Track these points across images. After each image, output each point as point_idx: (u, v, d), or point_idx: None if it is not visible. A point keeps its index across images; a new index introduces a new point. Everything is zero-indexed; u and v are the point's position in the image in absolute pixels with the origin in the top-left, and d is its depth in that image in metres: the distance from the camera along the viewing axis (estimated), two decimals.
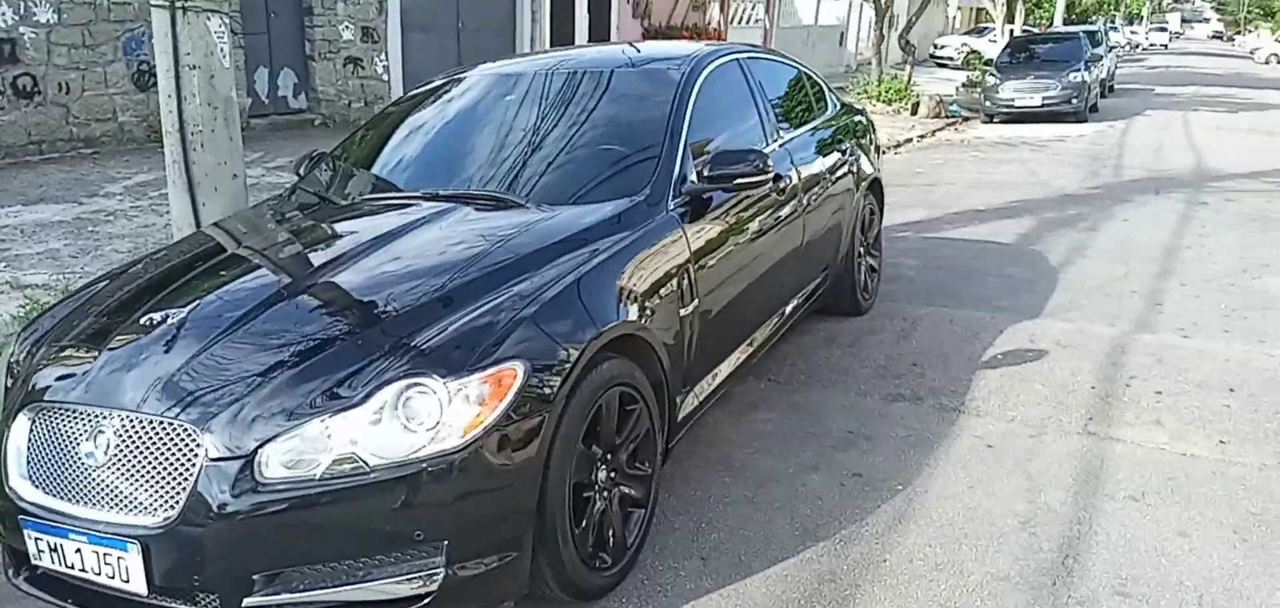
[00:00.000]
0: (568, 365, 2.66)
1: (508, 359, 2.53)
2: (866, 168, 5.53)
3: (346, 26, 14.46)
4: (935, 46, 34.91)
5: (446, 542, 2.40)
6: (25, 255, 6.66)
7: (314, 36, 14.15)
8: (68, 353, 2.79)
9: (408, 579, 2.40)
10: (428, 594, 2.40)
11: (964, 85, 21.59)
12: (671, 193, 3.48)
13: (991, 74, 18.24)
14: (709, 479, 3.65)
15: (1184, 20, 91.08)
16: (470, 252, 3.01)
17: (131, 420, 2.45)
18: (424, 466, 2.36)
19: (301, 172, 4.38)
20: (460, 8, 16.22)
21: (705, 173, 3.56)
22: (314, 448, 2.35)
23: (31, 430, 2.60)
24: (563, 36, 18.15)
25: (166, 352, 2.62)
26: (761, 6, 25.41)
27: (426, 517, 2.39)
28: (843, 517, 3.38)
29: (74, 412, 2.55)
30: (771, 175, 3.62)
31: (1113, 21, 49.18)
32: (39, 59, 11.06)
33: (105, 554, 2.40)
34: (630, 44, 4.87)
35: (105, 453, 2.45)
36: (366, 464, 2.34)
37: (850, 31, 31.93)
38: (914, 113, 17.70)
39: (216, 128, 4.71)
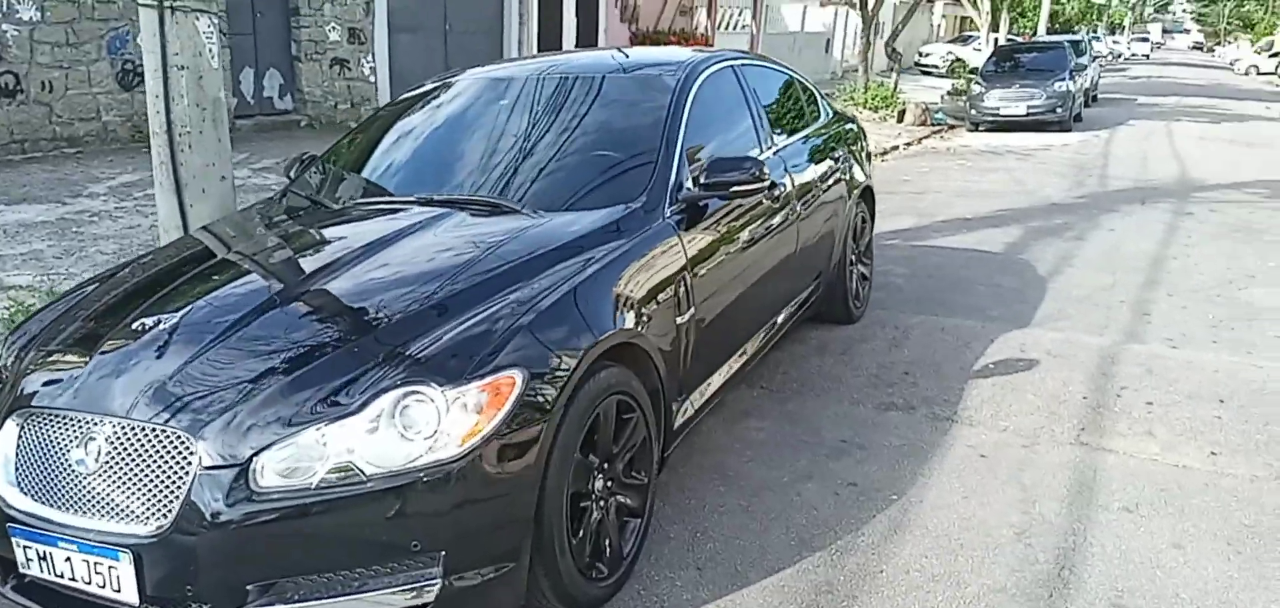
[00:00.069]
0: (566, 374, 2.63)
1: (506, 368, 2.50)
2: (858, 176, 5.53)
3: (333, 27, 14.39)
4: (921, 54, 35.10)
5: (443, 552, 2.38)
6: (8, 256, 6.58)
7: (300, 37, 14.07)
8: (56, 358, 2.75)
9: (404, 590, 2.36)
10: (424, 606, 2.37)
11: (949, 93, 21.71)
12: (668, 200, 3.46)
13: (977, 82, 18.33)
14: (703, 488, 3.63)
15: (1165, 31, 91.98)
16: (466, 258, 2.98)
17: (123, 427, 2.41)
18: (421, 475, 2.34)
19: (292, 175, 4.34)
20: (448, 10, 16.18)
21: (701, 180, 3.55)
22: (310, 457, 2.32)
23: (20, 437, 2.55)
24: (550, 40, 18.13)
25: (158, 358, 2.58)
26: (748, 12, 25.47)
27: (423, 527, 2.36)
28: (838, 527, 3.37)
29: (64, 418, 2.50)
30: (767, 183, 3.61)
31: (1095, 32, 49.53)
32: (21, 57, 10.95)
33: (96, 563, 2.36)
34: (619, 49, 4.86)
35: (96, 460, 2.40)
36: (363, 473, 2.31)
37: (836, 39, 32.06)
38: (900, 120, 17.76)
39: (205, 129, 4.66)
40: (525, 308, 2.71)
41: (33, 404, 2.58)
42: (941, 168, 12.78)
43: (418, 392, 2.40)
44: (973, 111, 17.58)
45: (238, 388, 2.44)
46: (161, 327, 2.72)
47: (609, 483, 2.91)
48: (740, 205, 3.87)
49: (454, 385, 2.41)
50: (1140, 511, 3.48)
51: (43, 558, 2.44)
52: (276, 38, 13.93)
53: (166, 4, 4.44)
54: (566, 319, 2.78)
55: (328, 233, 3.50)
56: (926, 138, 16.21)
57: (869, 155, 6.05)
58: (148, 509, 2.33)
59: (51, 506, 2.43)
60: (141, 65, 11.66)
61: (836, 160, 5.20)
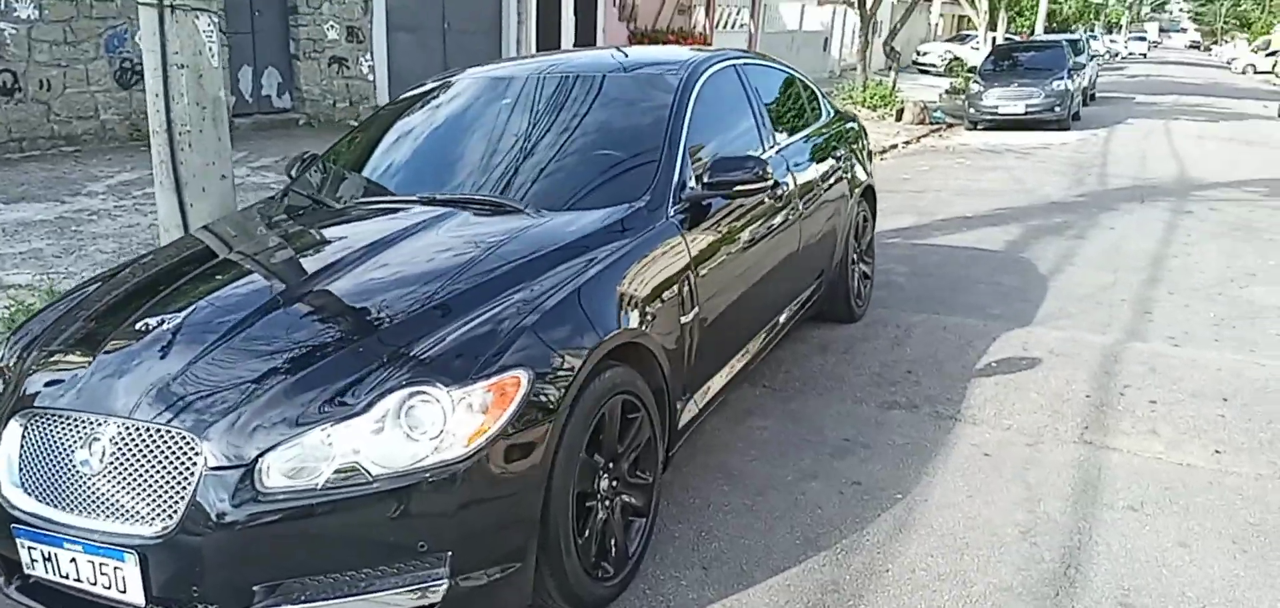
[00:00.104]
0: (571, 374, 2.63)
1: (511, 368, 2.50)
2: (860, 175, 5.53)
3: (331, 26, 14.37)
4: (918, 53, 35.10)
5: (450, 553, 2.37)
6: (7, 255, 6.56)
7: (299, 36, 14.04)
8: (59, 358, 2.74)
9: (411, 591, 2.35)
10: (431, 606, 2.37)
11: (947, 92, 21.72)
12: (671, 199, 3.45)
13: (975, 81, 18.32)
14: (707, 487, 3.62)
15: (1162, 30, 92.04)
16: (470, 258, 2.97)
17: (128, 428, 2.40)
18: (427, 475, 2.33)
19: (293, 174, 4.33)
20: (446, 8, 16.15)
21: (705, 179, 3.53)
22: (315, 457, 2.31)
23: (24, 437, 2.54)
24: (549, 39, 18.11)
25: (162, 358, 2.57)
26: (746, 11, 25.44)
27: (430, 527, 2.36)
28: (843, 526, 3.36)
29: (67, 418, 2.49)
30: (771, 182, 3.60)
31: (1092, 30, 49.57)
32: (19, 55, 10.92)
33: (101, 564, 2.35)
34: (619, 48, 4.85)
35: (101, 461, 2.39)
36: (369, 474, 2.30)
37: (834, 37, 32.04)
38: (898, 119, 17.76)
39: (205, 128, 4.64)
40: (530, 308, 2.70)
41: (36, 405, 2.57)
42: (941, 166, 12.78)
43: (423, 392, 2.39)
44: (971, 110, 17.58)
45: (242, 388, 2.43)
46: (164, 327, 2.70)
47: (614, 483, 2.90)
48: (743, 205, 3.86)
49: (459, 386, 2.40)
50: (1145, 509, 3.47)
51: (47, 559, 2.43)
52: (275, 36, 13.90)
53: (166, 3, 4.41)
54: (571, 319, 2.77)
55: (330, 233, 3.49)
56: (925, 136, 16.20)
57: (870, 154, 6.05)
58: (153, 510, 2.32)
59: (56, 506, 2.42)
60: (139, 64, 11.70)
61: (838, 159, 5.19)
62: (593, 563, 2.79)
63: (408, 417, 2.36)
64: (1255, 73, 41.48)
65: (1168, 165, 12.69)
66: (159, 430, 2.37)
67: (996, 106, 17.18)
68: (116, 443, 2.40)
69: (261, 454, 2.29)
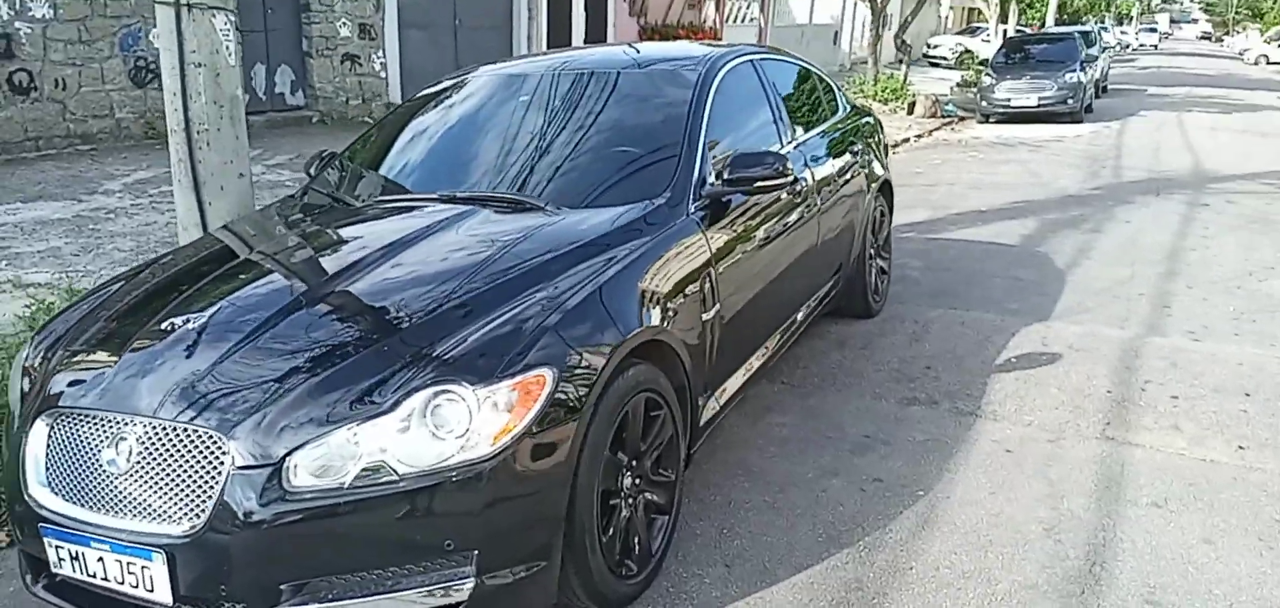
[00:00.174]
0: (596, 372, 2.62)
1: (536, 366, 2.49)
2: (877, 169, 5.51)
3: (344, 23, 14.39)
4: (929, 46, 34.97)
5: (476, 551, 2.37)
6: (26, 253, 6.59)
7: (311, 33, 14.07)
8: (84, 357, 2.74)
9: (436, 589, 2.35)
10: (457, 604, 2.37)
11: (959, 85, 21.63)
12: (692, 195, 3.44)
13: (987, 74, 18.23)
14: (729, 485, 3.62)
15: (1173, 21, 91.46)
16: (491, 256, 2.96)
17: (154, 427, 2.41)
18: (453, 474, 2.33)
19: (312, 172, 4.34)
20: (458, 6, 16.15)
21: (725, 175, 3.52)
22: (342, 456, 2.31)
23: (50, 437, 2.55)
24: (559, 35, 18.10)
25: (187, 358, 2.57)
26: (756, 5, 25.40)
27: (456, 526, 2.35)
28: (865, 523, 3.35)
29: (94, 418, 2.50)
30: (791, 178, 3.59)
31: (1103, 22, 49.31)
32: (35, 54, 10.97)
33: (129, 563, 2.35)
34: (632, 44, 4.83)
35: (128, 460, 2.40)
36: (395, 473, 2.30)
37: (845, 30, 31.94)
38: (910, 112, 17.70)
39: (222, 126, 4.65)
40: (553, 306, 2.70)
41: (61, 404, 2.58)
42: (954, 160, 12.73)
43: (449, 391, 2.38)
44: (983, 103, 17.49)
45: (268, 388, 2.43)
46: (189, 327, 2.71)
47: (637, 480, 2.90)
48: (762, 201, 3.85)
49: (485, 385, 2.40)
50: (1169, 506, 3.45)
51: (75, 558, 2.44)
52: (288, 34, 13.93)
53: (183, 1, 4.42)
54: (594, 317, 2.76)
55: (351, 232, 3.49)
56: (937, 130, 16.15)
57: (886, 149, 6.02)
58: (180, 509, 2.32)
59: (83, 506, 2.43)
60: (154, 62, 11.76)
61: (855, 154, 5.18)
62: (617, 561, 2.79)
63: (434, 416, 2.36)
64: (1268, 64, 41.14)
65: (1182, 158, 12.62)
66: (186, 430, 2.38)
67: (1009, 99, 17.09)
68: (143, 442, 2.40)
69: (289, 453, 2.30)
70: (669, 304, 3.07)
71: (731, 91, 4.08)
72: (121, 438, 2.43)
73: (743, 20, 25.01)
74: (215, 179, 4.66)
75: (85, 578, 2.44)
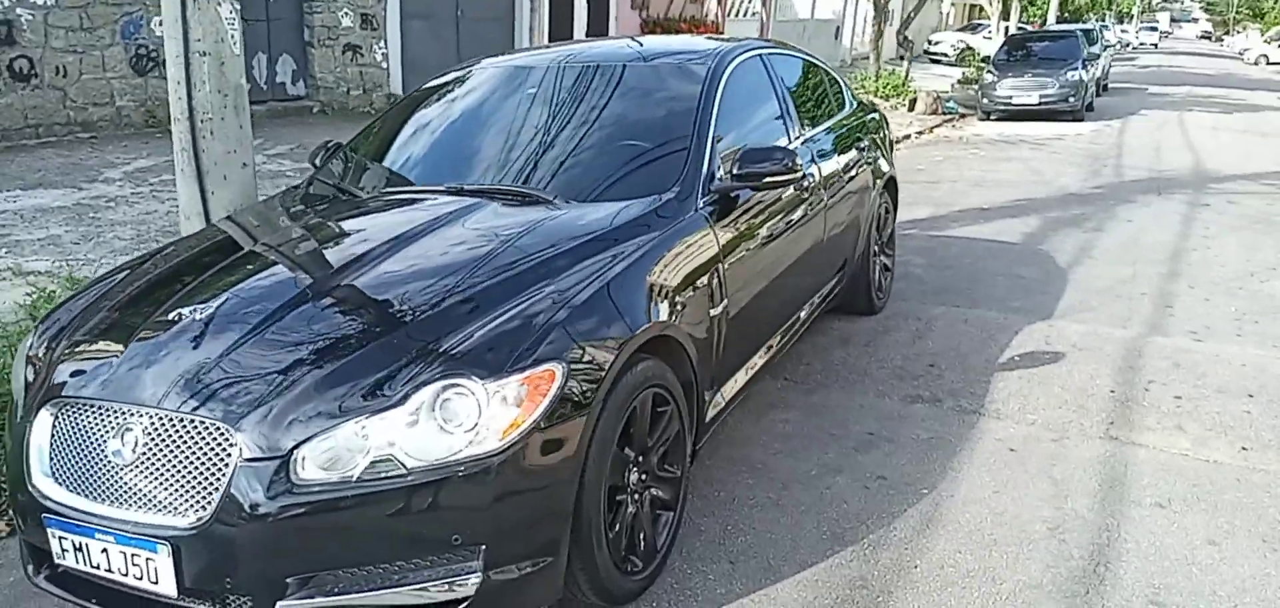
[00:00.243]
0: (604, 367, 2.61)
1: (545, 361, 2.48)
2: (883, 166, 5.50)
3: (346, 13, 14.36)
4: (930, 42, 34.96)
5: (483, 546, 2.36)
6: (26, 241, 6.57)
7: (313, 23, 14.04)
8: (89, 347, 2.73)
9: (443, 583, 2.35)
10: (464, 599, 2.36)
11: (960, 82, 21.61)
12: (700, 190, 3.43)
13: (989, 71, 18.22)
14: (733, 481, 3.61)
15: (1173, 20, 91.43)
16: (499, 250, 2.95)
17: (161, 419, 2.39)
18: (461, 468, 2.32)
19: (317, 162, 4.32)
20: None
21: (734, 170, 3.51)
22: (350, 449, 2.30)
23: (54, 427, 2.54)
24: (562, 28, 18.07)
25: (194, 349, 2.56)
26: (758, 0, 25.36)
27: (464, 520, 2.35)
28: (869, 521, 3.35)
29: (99, 408, 2.48)
30: (800, 174, 3.58)
31: (1104, 20, 49.27)
32: (36, 41, 10.94)
33: (133, 555, 2.34)
34: (636, 38, 4.81)
35: (133, 451, 2.38)
36: (404, 466, 2.29)
37: (846, 26, 31.90)
38: (911, 109, 17.70)
39: (226, 116, 4.63)
40: (562, 300, 2.68)
41: (66, 394, 2.56)
42: (955, 157, 12.73)
43: (458, 385, 2.37)
44: (985, 100, 17.48)
45: (276, 380, 2.41)
46: (195, 317, 2.69)
47: (644, 476, 2.89)
48: (769, 196, 3.83)
49: (494, 379, 2.39)
50: (1173, 506, 3.45)
51: (78, 549, 2.42)
52: (289, 23, 13.90)
53: None
54: (603, 312, 2.75)
55: (358, 224, 3.48)
56: (939, 127, 16.15)
57: (892, 145, 6.01)
58: (186, 501, 2.31)
59: (88, 497, 2.41)
60: (154, 50, 11.74)
61: (861, 150, 5.17)
62: (622, 557, 2.78)
63: (443, 409, 2.35)
64: (1268, 64, 41.13)
65: (1183, 157, 12.62)
66: (193, 421, 2.36)
67: (1010, 97, 17.08)
68: (149, 434, 2.39)
69: (296, 446, 2.28)
70: (677, 299, 3.06)
71: (740, 86, 4.07)
72: (127, 429, 2.41)
73: (745, 15, 24.98)
74: (218, 168, 4.64)
75: (88, 570, 2.43)
